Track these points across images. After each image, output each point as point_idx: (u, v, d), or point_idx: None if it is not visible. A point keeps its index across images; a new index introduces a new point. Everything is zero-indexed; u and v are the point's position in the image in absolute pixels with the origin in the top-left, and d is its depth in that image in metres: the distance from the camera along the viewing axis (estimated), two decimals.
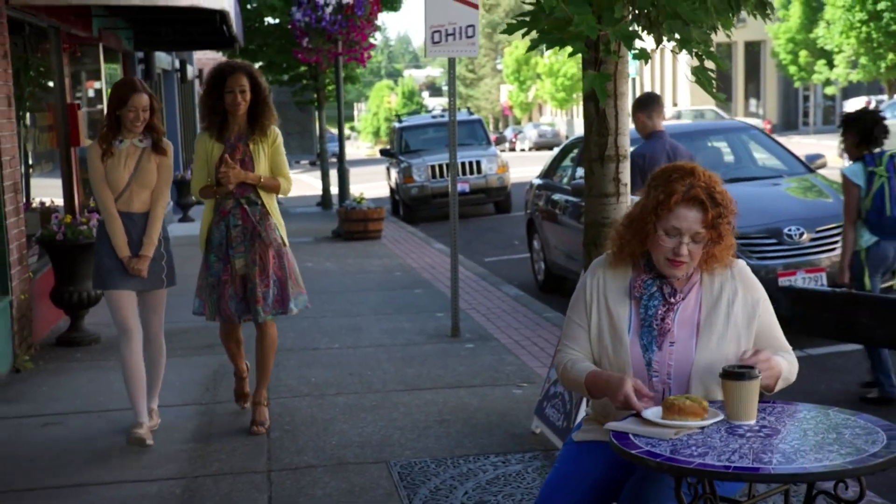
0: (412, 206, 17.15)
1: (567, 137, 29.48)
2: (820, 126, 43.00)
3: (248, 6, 19.76)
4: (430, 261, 11.43)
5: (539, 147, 46.48)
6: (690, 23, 2.93)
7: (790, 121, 45.73)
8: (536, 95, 61.77)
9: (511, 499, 4.12)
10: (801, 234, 6.90)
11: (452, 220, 7.42)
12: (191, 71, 25.07)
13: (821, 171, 8.30)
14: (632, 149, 4.06)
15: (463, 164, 16.45)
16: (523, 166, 26.31)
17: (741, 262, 2.79)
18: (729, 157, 8.84)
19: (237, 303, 5.12)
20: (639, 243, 2.71)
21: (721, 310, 2.69)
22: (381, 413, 5.43)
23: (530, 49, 2.98)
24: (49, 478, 4.61)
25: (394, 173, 18.23)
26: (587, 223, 3.95)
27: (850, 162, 5.62)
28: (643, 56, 3.21)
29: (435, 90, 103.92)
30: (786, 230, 6.89)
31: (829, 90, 37.63)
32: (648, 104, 6.39)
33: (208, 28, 10.55)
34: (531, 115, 67.17)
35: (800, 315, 4.20)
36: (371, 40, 15.37)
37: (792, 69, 37.90)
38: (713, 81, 3.17)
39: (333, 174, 18.19)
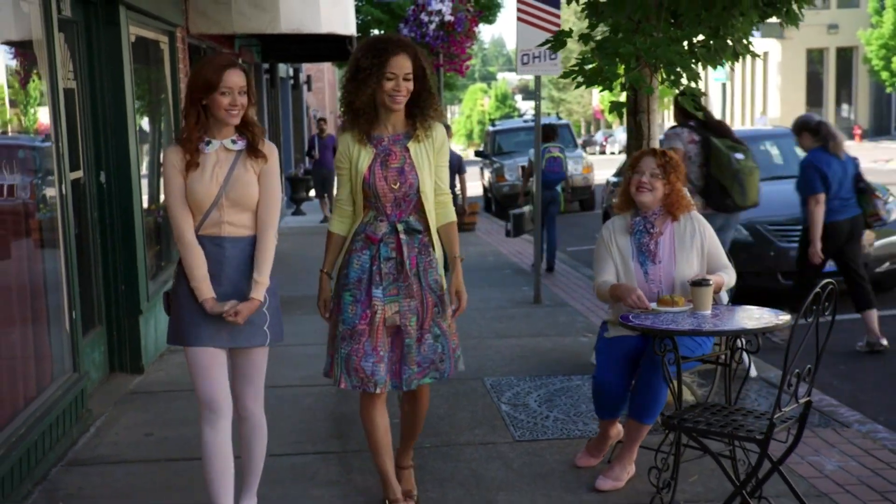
0: (503, 202, 18.81)
1: None
2: None
3: (357, 20, 21.68)
4: (518, 248, 13.07)
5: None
6: (681, 68, 4.53)
7: (882, 126, 45.89)
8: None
9: (571, 399, 5.75)
10: None
11: (537, 212, 9.10)
12: (301, 77, 27.26)
13: None
14: None
15: None
16: (611, 168, 27.71)
17: (696, 212, 4.42)
18: (778, 159, 10.28)
19: (375, 364, 3.82)
20: (626, 193, 4.44)
21: (687, 240, 4.34)
22: (477, 351, 7.09)
23: (577, 87, 4.64)
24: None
25: (487, 173, 19.93)
26: None
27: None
28: (649, 91, 4.82)
29: (528, 93, 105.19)
30: None
31: None
32: None
33: (333, 45, 12.39)
34: (622, 119, 68.20)
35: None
36: (469, 52, 17.03)
37: (884, 75, 38.31)
38: (693, 104, 4.76)
39: None
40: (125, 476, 4.72)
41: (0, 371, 4.64)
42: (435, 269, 3.93)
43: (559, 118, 21.57)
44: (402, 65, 3.74)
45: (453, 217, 3.99)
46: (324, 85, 40.81)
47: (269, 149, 3.70)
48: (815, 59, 46.18)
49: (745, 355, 4.19)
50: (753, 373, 5.94)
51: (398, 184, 3.83)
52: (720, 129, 6.55)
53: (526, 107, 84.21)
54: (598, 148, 49.94)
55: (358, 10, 21.37)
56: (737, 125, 45.18)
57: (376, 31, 22.43)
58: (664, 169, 4.31)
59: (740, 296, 6.40)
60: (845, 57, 46.11)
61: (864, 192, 6.99)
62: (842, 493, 4.16)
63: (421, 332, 3.88)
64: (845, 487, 4.21)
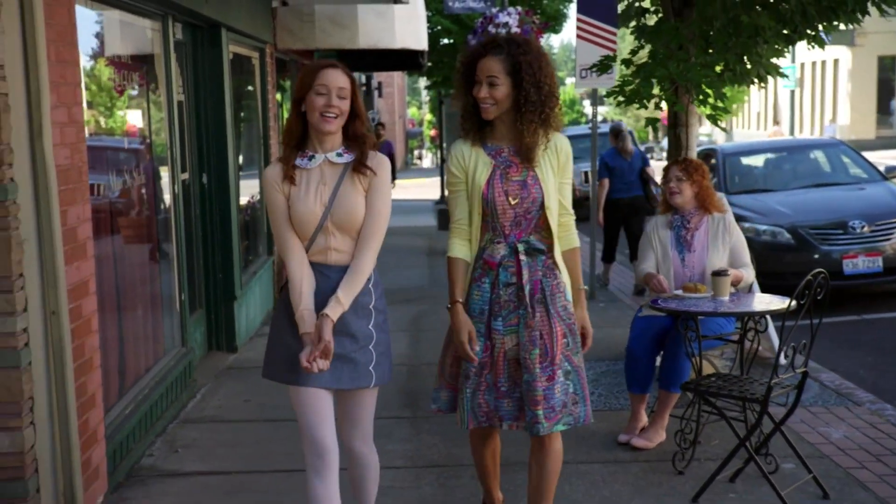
0: None
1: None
2: None
3: (427, 30, 22.51)
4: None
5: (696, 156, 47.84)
6: (709, 88, 5.24)
7: None
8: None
9: (615, 379, 6.47)
10: (863, 227, 8.92)
11: (592, 215, 9.84)
12: (373, 83, 28.28)
13: None
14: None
15: None
16: None
17: (729, 214, 5.11)
18: (826, 167, 10.86)
19: (498, 399, 3.51)
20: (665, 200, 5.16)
21: (718, 235, 5.07)
22: None
23: (618, 105, 5.38)
24: None
25: None
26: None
27: None
28: (681, 109, 5.53)
29: (610, 91, 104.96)
30: (850, 223, 8.94)
31: None
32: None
33: (406, 56, 13.22)
34: (716, 121, 67.98)
35: None
36: None
37: None
38: (718, 121, 5.46)
39: None
40: (230, 431, 5.58)
41: (127, 343, 5.51)
42: (563, 294, 3.50)
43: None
44: (486, 67, 3.40)
45: (577, 242, 3.60)
46: (393, 90, 41.84)
47: (379, 162, 3.28)
48: (886, 66, 45.75)
49: (773, 339, 4.89)
50: (783, 360, 6.56)
51: (518, 199, 3.45)
52: None
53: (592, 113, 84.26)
54: (664, 154, 50.16)
55: (427, 20, 22.20)
56: (805, 133, 45.07)
57: (445, 41, 23.25)
58: (686, 172, 5.05)
59: (784, 294, 7.13)
60: None
61: (646, 182, 10.04)
62: (841, 455, 4.83)
63: (552, 368, 3.43)
64: (845, 451, 4.88)
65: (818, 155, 10.92)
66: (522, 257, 3.45)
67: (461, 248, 3.54)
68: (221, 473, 4.91)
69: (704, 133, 57.77)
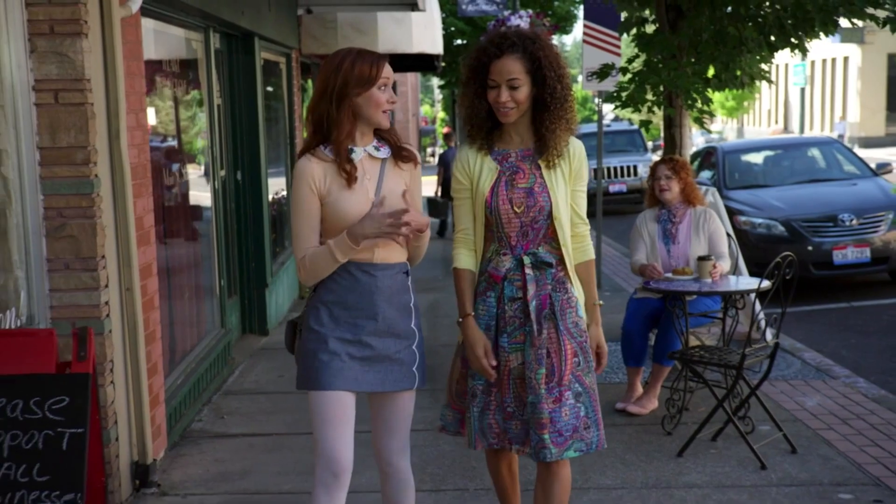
0: None
1: None
2: None
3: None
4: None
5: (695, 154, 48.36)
6: (697, 94, 5.86)
7: None
8: None
9: (615, 358, 7.08)
10: (852, 220, 9.52)
11: (598, 210, 10.48)
12: None
13: (886, 177, 10.82)
14: None
15: (621, 167, 19.25)
16: None
17: (718, 208, 5.72)
18: (821, 163, 11.45)
19: (506, 420, 3.32)
20: (653, 196, 5.75)
21: (700, 227, 5.66)
22: None
23: (614, 109, 5.97)
24: None
25: None
26: None
27: None
28: (672, 112, 6.15)
29: (609, 96, 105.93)
30: (840, 216, 9.54)
31: None
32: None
33: (421, 58, 13.86)
34: (702, 123, 68.46)
35: None
36: None
37: None
38: (704, 123, 6.07)
39: None
40: (268, 401, 6.23)
41: (175, 324, 6.17)
42: (575, 310, 3.29)
43: (631, 124, 22.77)
44: (506, 69, 3.16)
45: (591, 254, 3.37)
46: (407, 89, 42.41)
47: (415, 153, 3.22)
48: None
49: (760, 319, 5.51)
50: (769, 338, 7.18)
51: (523, 207, 3.23)
52: None
53: (605, 110, 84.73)
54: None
55: (441, 22, 22.83)
56: (816, 130, 45.48)
57: (459, 42, 23.88)
58: (674, 170, 5.66)
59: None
60: None
61: None
62: (812, 419, 5.44)
63: (559, 388, 3.21)
64: (816, 416, 5.49)
65: (814, 152, 11.51)
66: (528, 271, 3.23)
67: (467, 259, 3.35)
68: (263, 435, 5.56)
69: (716, 130, 58.32)
